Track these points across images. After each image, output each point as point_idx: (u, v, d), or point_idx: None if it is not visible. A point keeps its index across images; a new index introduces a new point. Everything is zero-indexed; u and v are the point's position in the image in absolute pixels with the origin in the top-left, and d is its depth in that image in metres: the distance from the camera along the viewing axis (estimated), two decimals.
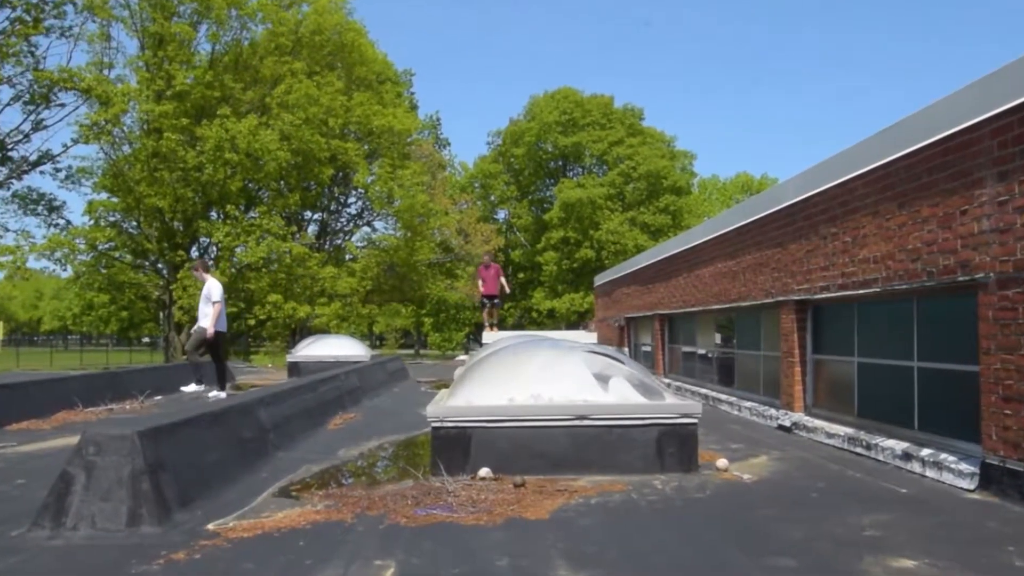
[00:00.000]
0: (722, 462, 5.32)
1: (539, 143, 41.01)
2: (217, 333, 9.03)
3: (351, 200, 32.69)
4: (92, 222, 24.27)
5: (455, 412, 5.11)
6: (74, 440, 3.96)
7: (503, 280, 16.20)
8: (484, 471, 4.92)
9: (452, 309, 39.59)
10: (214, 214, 24.97)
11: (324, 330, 24.87)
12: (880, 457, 5.76)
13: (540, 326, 36.66)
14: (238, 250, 23.34)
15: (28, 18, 20.64)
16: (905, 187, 5.69)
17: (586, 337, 14.39)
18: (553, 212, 38.79)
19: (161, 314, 27.02)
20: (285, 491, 4.64)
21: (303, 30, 25.54)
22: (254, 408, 5.83)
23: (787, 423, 7.53)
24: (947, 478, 4.90)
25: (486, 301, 16.13)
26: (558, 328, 32.87)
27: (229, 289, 22.73)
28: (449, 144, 47.36)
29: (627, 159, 39.23)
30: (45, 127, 22.32)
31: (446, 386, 7.16)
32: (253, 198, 25.98)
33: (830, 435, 6.65)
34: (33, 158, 22.74)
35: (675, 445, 5.11)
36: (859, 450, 6.10)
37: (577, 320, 36.25)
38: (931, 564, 3.22)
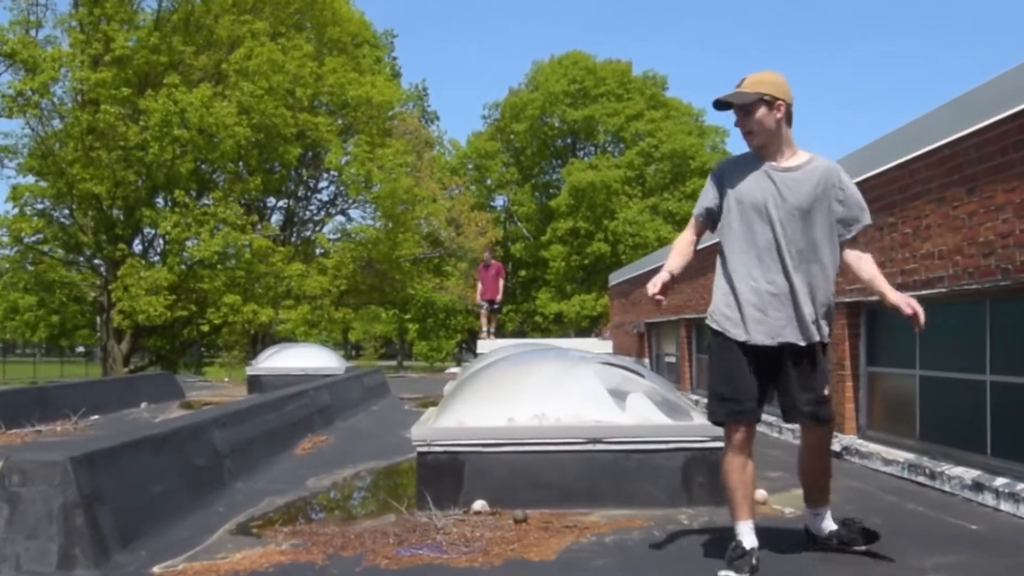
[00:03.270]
0: (760, 493, 5.32)
1: (544, 117, 41.04)
2: None
3: (322, 184, 32.78)
4: (16, 210, 24.32)
5: (445, 434, 5.12)
6: None
7: (502, 283, 16.23)
8: (479, 504, 4.93)
9: (441, 313, 39.61)
10: (160, 201, 24.99)
11: (290, 338, 24.93)
12: (946, 487, 5.77)
13: (545, 333, 36.73)
14: (189, 243, 23.35)
15: None
16: (976, 169, 5.69)
17: (599, 346, 14.39)
18: (561, 198, 38.83)
19: (98, 319, 27.08)
20: (244, 528, 4.66)
21: None
22: (208, 430, 5.84)
23: (837, 447, 7.54)
24: None
25: (484, 305, 16.16)
26: (566, 335, 32.90)
27: (178, 289, 22.79)
28: (438, 119, 47.42)
29: (648, 136, 39.27)
30: None
31: (434, 404, 7.17)
32: (206, 182, 26.02)
33: (887, 461, 6.66)
34: None
35: (704, 473, 5.11)
36: (921, 479, 6.11)
37: (589, 326, 36.30)
38: None
